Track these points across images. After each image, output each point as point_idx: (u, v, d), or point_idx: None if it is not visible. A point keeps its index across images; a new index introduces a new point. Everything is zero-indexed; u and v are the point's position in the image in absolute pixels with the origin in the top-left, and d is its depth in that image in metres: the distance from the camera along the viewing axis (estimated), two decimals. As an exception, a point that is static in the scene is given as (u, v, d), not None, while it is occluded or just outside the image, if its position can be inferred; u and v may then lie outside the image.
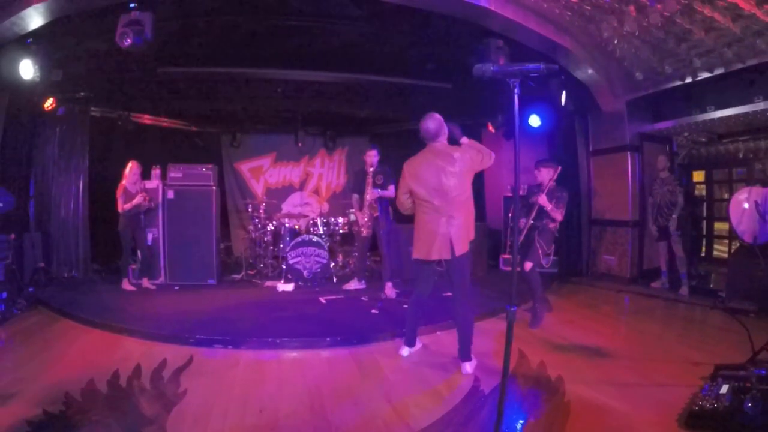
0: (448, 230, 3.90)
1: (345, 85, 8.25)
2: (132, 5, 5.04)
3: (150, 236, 7.38)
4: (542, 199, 5.26)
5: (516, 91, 1.95)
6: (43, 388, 3.48)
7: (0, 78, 5.94)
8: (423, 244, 3.99)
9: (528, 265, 5.28)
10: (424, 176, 3.95)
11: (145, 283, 7.15)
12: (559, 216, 5.31)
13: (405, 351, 4.38)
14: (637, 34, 6.00)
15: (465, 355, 4.00)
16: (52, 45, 6.02)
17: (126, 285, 6.98)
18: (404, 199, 4.14)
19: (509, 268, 5.57)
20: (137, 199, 6.86)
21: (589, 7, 5.75)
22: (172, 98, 8.15)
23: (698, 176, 9.35)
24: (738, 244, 6.64)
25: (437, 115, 3.99)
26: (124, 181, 6.89)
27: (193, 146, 10.32)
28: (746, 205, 5.49)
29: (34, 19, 5.30)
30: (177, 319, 5.35)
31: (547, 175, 5.47)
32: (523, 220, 5.44)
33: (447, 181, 3.87)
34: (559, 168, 5.46)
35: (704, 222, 9.14)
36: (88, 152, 7.94)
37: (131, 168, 6.96)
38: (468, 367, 3.96)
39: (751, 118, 6.56)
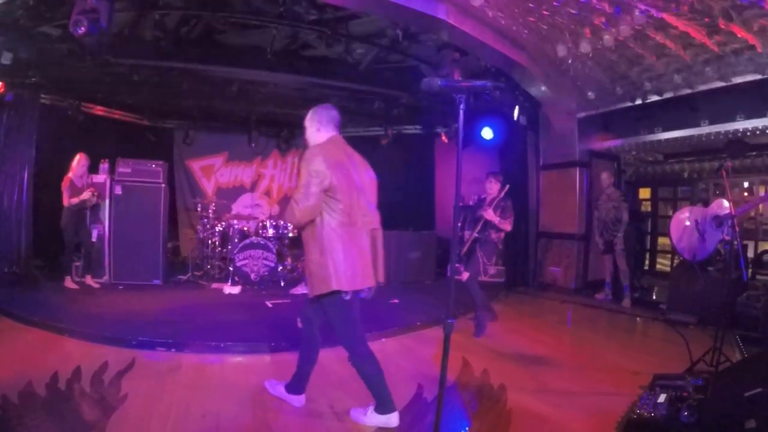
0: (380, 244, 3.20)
1: (300, 88, 8.14)
2: (89, -8, 4.88)
3: (95, 233, 7.12)
4: (489, 214, 5.29)
5: (462, 106, 1.95)
6: (-23, 389, 3.33)
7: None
8: (359, 267, 2.93)
9: (465, 275, 5.31)
10: (348, 174, 2.95)
11: (89, 281, 6.92)
12: (507, 226, 5.32)
13: (395, 418, 3.07)
14: (591, 55, 6.20)
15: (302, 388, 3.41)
16: (3, 26, 5.76)
17: (68, 283, 6.74)
18: (317, 201, 2.82)
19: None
20: (85, 195, 6.65)
21: (545, 27, 5.91)
22: (125, 90, 7.91)
23: (644, 193, 9.74)
24: (679, 259, 6.90)
25: None
26: (70, 174, 6.67)
27: (144, 141, 10.02)
28: (687, 223, 5.73)
29: (-15, -2, 5.07)
30: (120, 320, 5.19)
31: (494, 188, 5.50)
32: (467, 233, 5.51)
33: (369, 184, 3.17)
34: (507, 186, 5.47)
35: (648, 237, 9.50)
36: (35, 141, 7.49)
37: (79, 160, 6.76)
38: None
39: (697, 140, 6.86)
